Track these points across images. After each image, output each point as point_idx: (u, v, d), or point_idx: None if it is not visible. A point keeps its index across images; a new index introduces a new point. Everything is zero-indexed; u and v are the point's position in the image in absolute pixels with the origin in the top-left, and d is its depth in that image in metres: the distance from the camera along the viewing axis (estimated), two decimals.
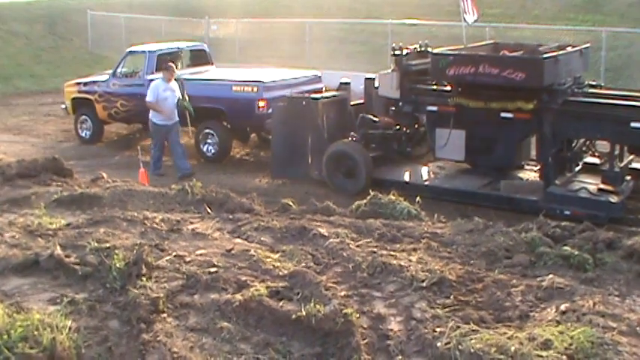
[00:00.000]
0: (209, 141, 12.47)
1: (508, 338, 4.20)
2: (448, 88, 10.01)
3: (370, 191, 7.78)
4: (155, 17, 27.52)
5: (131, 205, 7.21)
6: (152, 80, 12.80)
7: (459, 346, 4.12)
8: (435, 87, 10.53)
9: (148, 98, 11.47)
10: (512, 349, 4.05)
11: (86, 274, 5.06)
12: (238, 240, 6.13)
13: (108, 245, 5.47)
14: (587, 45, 10.59)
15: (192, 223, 6.59)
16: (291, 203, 7.63)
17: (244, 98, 11.90)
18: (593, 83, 10.17)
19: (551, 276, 5.19)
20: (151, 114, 11.61)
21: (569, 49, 9.96)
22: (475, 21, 12.43)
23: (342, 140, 10.47)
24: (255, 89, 11.83)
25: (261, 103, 11.43)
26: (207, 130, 12.46)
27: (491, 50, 10.78)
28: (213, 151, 12.47)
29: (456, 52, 10.00)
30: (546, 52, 9.54)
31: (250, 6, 31.63)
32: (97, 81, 14.11)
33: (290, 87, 11.93)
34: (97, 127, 14.27)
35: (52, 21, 30.49)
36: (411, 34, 18.54)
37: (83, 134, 14.35)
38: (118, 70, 13.76)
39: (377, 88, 11.03)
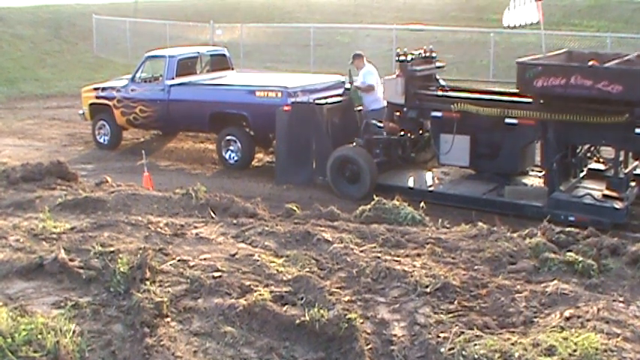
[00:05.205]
0: (231, 148, 12.27)
1: (512, 344, 4.20)
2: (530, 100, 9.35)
3: (374, 196, 7.77)
4: (160, 22, 27.61)
5: (135, 209, 7.22)
6: (172, 85, 12.85)
7: (463, 352, 4.12)
8: (439, 93, 10.57)
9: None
10: (516, 354, 4.05)
11: (90, 278, 5.06)
12: (242, 245, 6.13)
13: (112, 249, 5.48)
14: None
15: (196, 227, 6.59)
16: (295, 208, 7.63)
17: (268, 104, 11.48)
18: None
19: (555, 282, 5.18)
20: None
21: None
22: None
23: (347, 145, 10.48)
24: (279, 94, 11.49)
25: (286, 109, 11.04)
26: (229, 137, 12.26)
27: (566, 59, 10.29)
28: (235, 158, 12.25)
29: (546, 63, 9.43)
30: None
31: (255, 11, 31.74)
32: (116, 86, 13.93)
33: (314, 92, 11.64)
34: (116, 132, 14.07)
35: (57, 25, 30.63)
36: (416, 40, 18.58)
37: (101, 140, 14.16)
38: (137, 75, 13.61)
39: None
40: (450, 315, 4.71)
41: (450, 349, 4.20)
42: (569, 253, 5.81)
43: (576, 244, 6.19)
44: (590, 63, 9.10)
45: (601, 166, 9.95)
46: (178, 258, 5.56)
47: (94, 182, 8.82)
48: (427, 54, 11.01)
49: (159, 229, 6.37)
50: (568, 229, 6.57)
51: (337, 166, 10.33)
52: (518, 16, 10.75)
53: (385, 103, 10.93)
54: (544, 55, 10.06)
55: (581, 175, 9.87)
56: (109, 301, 4.76)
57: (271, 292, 4.91)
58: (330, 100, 11.07)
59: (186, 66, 13.56)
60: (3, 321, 4.16)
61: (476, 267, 5.68)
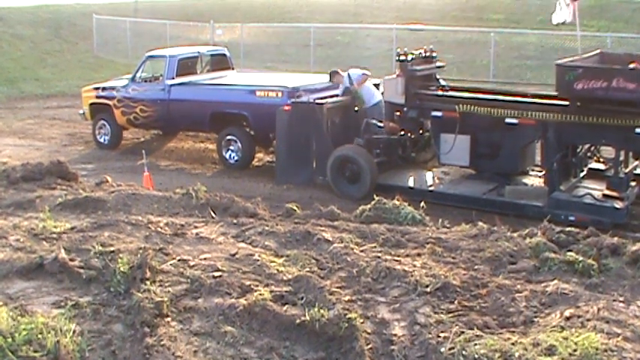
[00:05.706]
0: (231, 147, 12.26)
1: (512, 344, 4.20)
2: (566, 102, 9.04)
3: (375, 196, 7.77)
4: (160, 21, 27.63)
5: (135, 209, 7.22)
6: (173, 85, 12.86)
7: (463, 352, 4.12)
8: (439, 92, 10.56)
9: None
10: (517, 354, 4.05)
11: (90, 277, 5.07)
12: (242, 244, 6.13)
13: (112, 249, 5.48)
14: None
15: (196, 227, 6.59)
16: (295, 208, 7.63)
17: (268, 104, 11.45)
18: None
19: (555, 281, 5.19)
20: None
21: None
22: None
23: (347, 145, 10.47)
24: (279, 94, 11.46)
25: (286, 109, 10.95)
26: (229, 137, 12.26)
27: (599, 61, 10.12)
28: (236, 157, 12.24)
29: (587, 65, 9.24)
30: None
31: (255, 11, 31.74)
32: (116, 86, 13.93)
33: (314, 92, 11.57)
34: (116, 132, 14.07)
35: (57, 25, 30.64)
36: (416, 40, 18.58)
37: (101, 140, 14.15)
38: (138, 74, 13.61)
39: (382, 93, 11.05)
40: (450, 315, 4.71)
41: (450, 349, 4.20)
42: (569, 253, 5.81)
43: (576, 243, 6.19)
44: (632, 65, 8.96)
45: (601, 166, 9.95)
46: (178, 258, 5.56)
47: (94, 182, 8.82)
48: (427, 54, 11.01)
49: (159, 229, 6.37)
50: (568, 228, 6.57)
51: (337, 166, 10.33)
52: (564, 15, 10.71)
53: (382, 97, 10.95)
54: (580, 57, 9.91)
55: (582, 174, 9.87)
56: (109, 301, 4.76)
57: (271, 291, 4.91)
58: (330, 100, 11.06)
59: (187, 66, 13.56)
60: (3, 321, 4.16)
61: (476, 267, 5.68)
